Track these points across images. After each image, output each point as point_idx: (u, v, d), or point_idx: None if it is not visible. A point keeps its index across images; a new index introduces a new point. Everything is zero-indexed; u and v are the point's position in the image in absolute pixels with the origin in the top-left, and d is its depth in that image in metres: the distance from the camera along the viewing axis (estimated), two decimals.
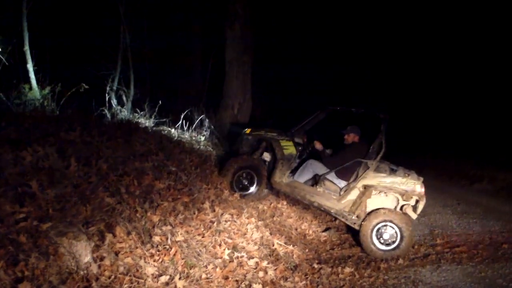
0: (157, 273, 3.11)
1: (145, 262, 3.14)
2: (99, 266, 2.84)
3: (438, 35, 18.93)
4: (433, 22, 18.71)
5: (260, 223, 5.28)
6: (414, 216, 5.69)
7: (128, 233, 3.30)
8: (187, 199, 4.44)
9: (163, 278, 3.08)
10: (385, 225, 5.54)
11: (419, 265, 5.10)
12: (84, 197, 3.37)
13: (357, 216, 5.75)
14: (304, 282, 4.24)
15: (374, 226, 5.53)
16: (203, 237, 4.02)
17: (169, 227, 3.75)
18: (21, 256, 2.46)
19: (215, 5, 9.83)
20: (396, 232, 5.51)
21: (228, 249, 4.01)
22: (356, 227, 5.80)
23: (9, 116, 4.38)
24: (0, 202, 2.83)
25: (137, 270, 3.02)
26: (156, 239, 3.49)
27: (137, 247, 3.23)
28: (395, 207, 5.73)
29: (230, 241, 4.22)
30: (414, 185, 5.57)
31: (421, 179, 5.67)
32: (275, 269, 4.16)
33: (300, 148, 6.24)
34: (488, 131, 16.18)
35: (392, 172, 5.84)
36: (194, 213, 4.28)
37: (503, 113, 16.05)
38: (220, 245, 4.03)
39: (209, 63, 11.19)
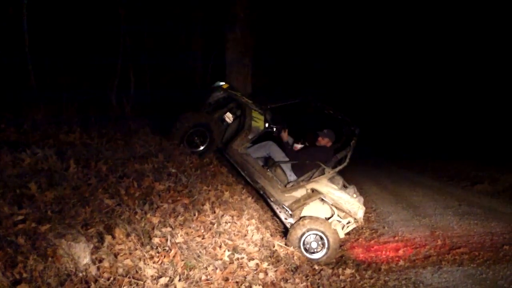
0: (156, 274, 3.09)
1: (145, 263, 3.12)
2: (98, 268, 2.82)
3: (443, 35, 19.04)
4: (436, 23, 18.84)
5: (260, 224, 5.27)
6: (342, 235, 5.74)
7: (128, 235, 3.28)
8: (187, 200, 4.42)
9: (163, 280, 3.06)
10: (316, 234, 5.50)
11: (420, 266, 5.09)
12: (83, 199, 3.36)
13: (291, 215, 5.73)
14: (304, 283, 4.22)
15: (306, 232, 5.49)
16: (203, 238, 4.00)
17: (169, 229, 3.73)
18: (19, 258, 2.44)
19: (215, 6, 9.82)
20: (323, 244, 5.48)
21: (228, 250, 3.99)
22: (287, 224, 5.82)
23: (8, 117, 4.36)
24: None
25: (137, 272, 3.00)
26: (156, 240, 3.47)
27: (136, 249, 3.21)
28: (327, 219, 5.72)
29: (230, 242, 4.20)
30: (358, 209, 5.59)
31: (364, 207, 5.74)
32: (276, 271, 4.14)
33: (267, 126, 6.03)
34: (489, 132, 16.20)
35: (343, 188, 5.83)
36: (194, 215, 4.26)
37: (504, 114, 16.09)
38: (220, 246, 4.01)
39: (210, 64, 11.17)
